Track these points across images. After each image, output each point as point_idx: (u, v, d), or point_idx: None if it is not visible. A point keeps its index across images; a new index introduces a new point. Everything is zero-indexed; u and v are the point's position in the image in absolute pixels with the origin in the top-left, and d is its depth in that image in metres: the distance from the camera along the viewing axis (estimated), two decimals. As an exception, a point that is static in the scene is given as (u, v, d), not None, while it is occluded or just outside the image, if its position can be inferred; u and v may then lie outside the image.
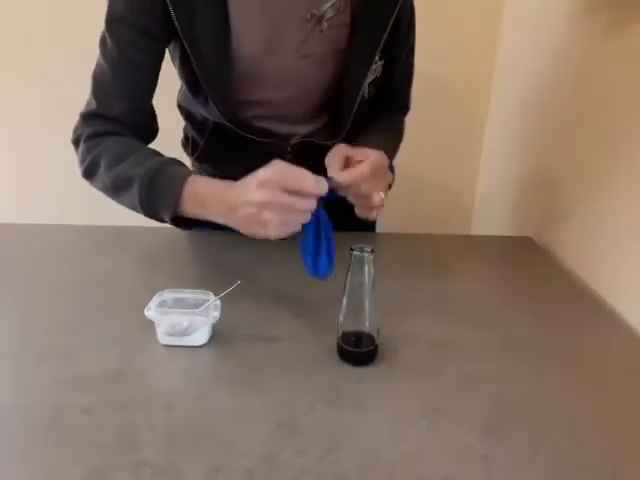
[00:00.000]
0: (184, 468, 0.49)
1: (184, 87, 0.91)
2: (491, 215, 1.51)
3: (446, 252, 1.00)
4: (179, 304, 0.68)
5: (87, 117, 0.82)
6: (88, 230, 1.02)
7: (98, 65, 0.82)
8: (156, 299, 0.67)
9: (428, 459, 0.51)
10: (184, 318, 0.65)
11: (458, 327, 0.74)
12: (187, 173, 0.73)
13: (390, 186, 0.84)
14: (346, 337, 0.65)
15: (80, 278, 0.84)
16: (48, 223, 1.02)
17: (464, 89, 1.53)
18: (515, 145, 1.33)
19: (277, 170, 0.63)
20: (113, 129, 0.81)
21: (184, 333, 0.66)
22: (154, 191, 0.73)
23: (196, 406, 0.57)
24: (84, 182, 1.68)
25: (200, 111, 0.93)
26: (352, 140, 0.90)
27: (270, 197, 0.62)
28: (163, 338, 0.66)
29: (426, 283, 0.86)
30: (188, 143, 1.03)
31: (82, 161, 0.81)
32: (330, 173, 0.72)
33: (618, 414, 0.59)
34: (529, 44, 1.26)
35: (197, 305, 0.67)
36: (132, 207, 0.77)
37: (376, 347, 0.65)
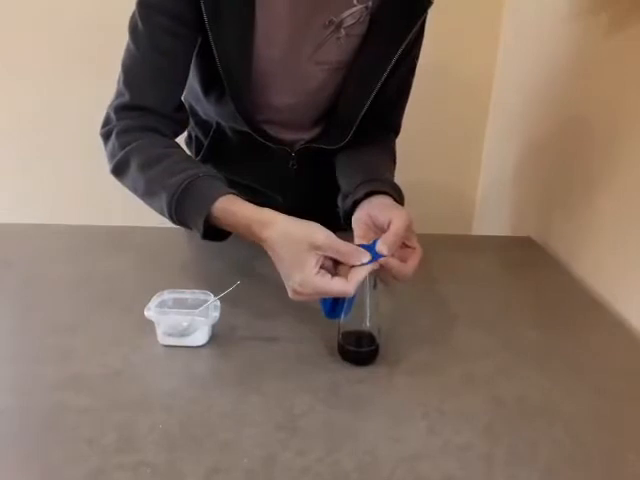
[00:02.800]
0: (184, 468, 0.49)
1: (194, 83, 0.91)
2: (491, 215, 1.51)
3: (446, 252, 1.00)
4: (179, 304, 0.68)
5: (119, 109, 0.79)
6: (88, 230, 1.02)
7: (128, 53, 0.79)
8: (156, 299, 0.67)
9: (428, 459, 0.51)
10: (184, 318, 0.65)
11: (458, 327, 0.74)
12: (219, 192, 0.70)
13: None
14: (347, 337, 0.65)
15: (80, 278, 0.84)
16: (48, 223, 1.02)
17: (465, 89, 1.53)
18: (515, 145, 1.33)
19: (312, 284, 0.59)
20: (147, 123, 0.78)
21: (184, 333, 0.66)
22: (184, 206, 0.71)
23: (196, 406, 0.57)
24: (83, 182, 1.68)
25: (206, 110, 0.92)
26: (354, 144, 0.89)
27: (303, 299, 0.62)
28: (163, 338, 0.66)
29: (426, 283, 0.85)
30: (192, 142, 1.02)
31: (112, 157, 0.79)
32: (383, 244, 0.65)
33: (618, 414, 0.59)
34: (530, 44, 1.26)
35: (197, 305, 0.67)
36: (161, 213, 0.75)
37: (377, 347, 0.65)
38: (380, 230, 0.68)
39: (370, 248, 0.62)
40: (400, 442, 0.53)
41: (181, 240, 1.00)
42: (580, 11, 1.01)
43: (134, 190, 0.78)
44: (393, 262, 0.63)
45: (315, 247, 0.60)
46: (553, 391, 0.62)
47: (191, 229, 0.73)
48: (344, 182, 0.84)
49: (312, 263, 0.59)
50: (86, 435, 0.52)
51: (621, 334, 0.75)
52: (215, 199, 0.68)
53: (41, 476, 0.48)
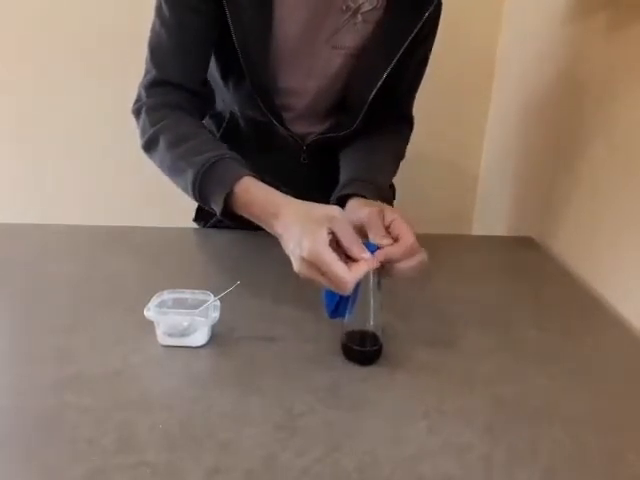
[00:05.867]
0: (184, 468, 0.49)
1: (212, 71, 0.91)
2: (491, 215, 1.51)
3: (446, 252, 1.00)
4: (179, 304, 0.68)
5: (148, 87, 0.82)
6: (88, 230, 1.02)
7: (154, 32, 0.82)
8: (155, 299, 0.67)
9: (428, 459, 0.51)
10: (183, 318, 0.65)
11: (458, 327, 0.74)
12: (239, 174, 0.72)
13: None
14: (351, 336, 0.65)
15: (80, 278, 0.84)
16: (48, 223, 1.02)
17: (465, 89, 1.53)
18: (516, 145, 1.33)
19: (320, 253, 0.57)
20: (174, 100, 0.81)
21: (183, 334, 0.66)
22: (208, 182, 0.74)
23: (195, 407, 0.57)
24: (83, 182, 1.68)
25: (222, 96, 0.93)
26: (361, 131, 0.90)
27: (309, 275, 0.60)
28: (162, 339, 0.66)
29: (427, 283, 0.85)
30: None
31: (143, 133, 0.82)
32: (372, 237, 0.66)
33: (618, 414, 0.58)
34: (529, 44, 1.26)
35: (197, 305, 0.67)
36: (184, 190, 0.78)
37: (381, 346, 0.65)
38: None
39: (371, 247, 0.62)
40: (400, 442, 0.53)
41: (181, 240, 1.00)
42: (579, 11, 1.01)
43: (161, 166, 0.81)
44: (391, 249, 0.63)
45: (330, 218, 0.60)
46: (553, 391, 0.62)
47: (210, 208, 0.76)
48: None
49: (324, 232, 0.59)
50: (86, 435, 0.52)
51: (621, 334, 0.75)
52: (240, 177, 0.72)
53: (41, 476, 0.48)
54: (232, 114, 0.93)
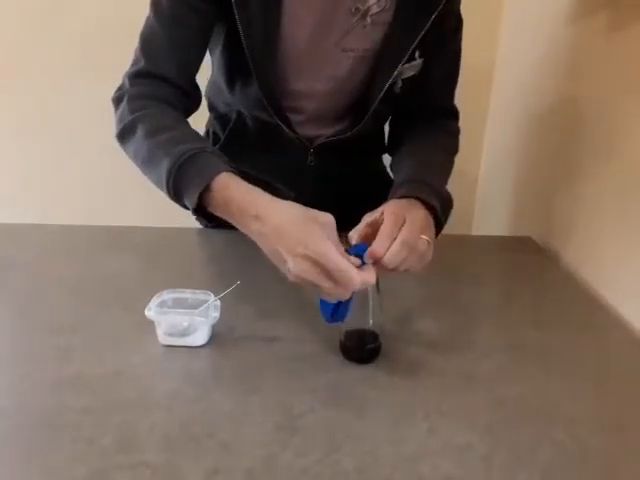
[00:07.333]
0: (183, 469, 0.49)
1: (216, 75, 0.91)
2: (491, 215, 1.51)
3: (446, 252, 0.99)
4: (179, 304, 0.68)
5: (133, 76, 0.80)
6: (88, 230, 1.02)
7: (148, 23, 0.81)
8: (156, 299, 0.67)
9: (428, 460, 0.51)
10: (184, 318, 0.65)
11: (459, 327, 0.74)
12: (219, 169, 0.68)
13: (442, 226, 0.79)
14: (350, 335, 0.65)
15: (80, 278, 0.84)
16: (48, 223, 1.02)
17: (465, 88, 1.52)
18: (515, 145, 1.33)
19: (325, 251, 0.55)
20: (159, 93, 0.79)
21: (184, 333, 0.66)
22: (184, 175, 0.69)
23: (196, 407, 0.57)
24: (83, 182, 1.68)
25: (228, 100, 0.92)
26: (367, 130, 0.90)
27: (308, 277, 0.57)
28: (163, 338, 0.66)
29: (427, 283, 0.85)
30: (208, 137, 1.02)
31: (120, 121, 0.78)
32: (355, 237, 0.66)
33: (618, 414, 0.58)
34: (529, 45, 1.26)
35: (197, 305, 0.67)
36: (157, 184, 0.73)
37: (380, 345, 0.65)
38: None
39: (361, 249, 0.62)
40: (400, 442, 0.53)
41: (181, 240, 1.00)
42: (579, 11, 1.01)
43: (134, 157, 0.76)
44: (372, 247, 0.61)
45: (320, 223, 0.59)
46: (553, 391, 0.62)
47: (183, 204, 0.71)
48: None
49: (320, 231, 0.57)
50: (86, 435, 0.52)
51: (621, 334, 0.75)
52: (219, 172, 0.67)
53: (41, 476, 0.48)
54: (239, 115, 0.93)
